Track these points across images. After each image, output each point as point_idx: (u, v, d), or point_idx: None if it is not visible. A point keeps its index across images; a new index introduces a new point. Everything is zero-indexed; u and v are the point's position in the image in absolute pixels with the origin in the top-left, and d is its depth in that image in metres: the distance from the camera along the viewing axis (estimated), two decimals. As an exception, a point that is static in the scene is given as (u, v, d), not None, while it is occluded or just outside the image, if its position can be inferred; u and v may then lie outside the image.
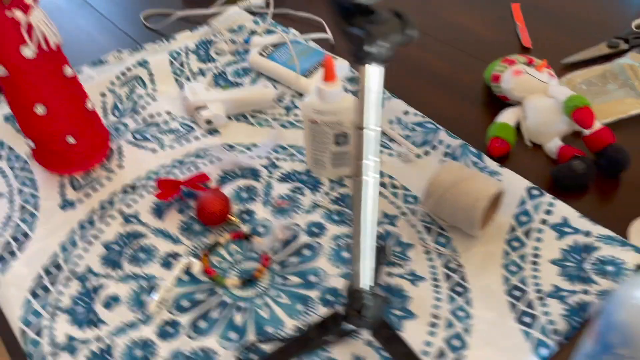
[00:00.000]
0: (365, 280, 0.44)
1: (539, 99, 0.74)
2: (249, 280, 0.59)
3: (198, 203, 0.64)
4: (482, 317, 0.55)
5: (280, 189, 0.70)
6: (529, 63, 0.79)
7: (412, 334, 0.54)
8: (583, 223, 0.62)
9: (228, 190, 0.70)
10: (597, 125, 0.70)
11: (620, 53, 0.87)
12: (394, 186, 0.70)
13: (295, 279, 0.60)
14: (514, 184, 0.66)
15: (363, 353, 0.53)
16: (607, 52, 0.88)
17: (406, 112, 0.78)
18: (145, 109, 0.84)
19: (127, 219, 0.67)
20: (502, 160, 0.72)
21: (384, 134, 0.77)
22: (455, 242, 0.62)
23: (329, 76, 0.63)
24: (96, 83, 0.85)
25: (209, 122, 0.79)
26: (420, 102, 0.81)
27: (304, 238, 0.64)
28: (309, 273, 0.60)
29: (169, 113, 0.83)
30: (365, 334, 0.53)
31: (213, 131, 0.79)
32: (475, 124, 0.78)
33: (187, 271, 0.61)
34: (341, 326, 0.48)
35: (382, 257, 0.60)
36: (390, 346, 0.48)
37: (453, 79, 0.87)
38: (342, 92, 0.64)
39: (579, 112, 0.68)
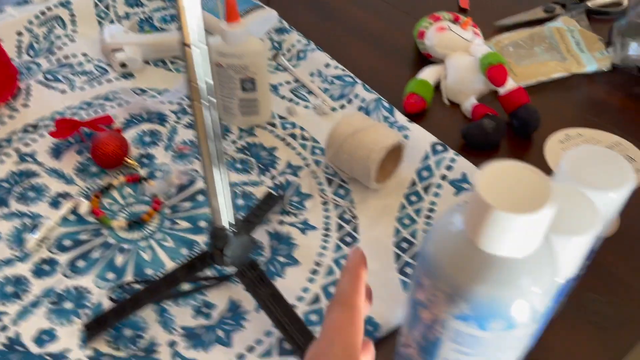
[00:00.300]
0: (225, 217, 0.43)
1: (460, 56, 0.73)
2: (136, 222, 0.58)
3: (92, 143, 0.62)
4: (363, 267, 0.54)
5: (185, 134, 0.68)
6: (455, 20, 0.77)
7: (292, 280, 0.53)
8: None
9: (131, 133, 0.68)
10: (512, 85, 0.69)
11: (555, 18, 0.86)
12: (304, 138, 0.68)
13: (185, 224, 0.58)
14: (421, 139, 0.65)
15: (241, 297, 0.52)
16: (543, 16, 0.87)
17: (327, 65, 0.76)
18: (62, 49, 0.80)
19: (22, 157, 0.65)
20: (419, 117, 0.71)
21: (303, 86, 0.75)
22: (354, 194, 0.61)
23: (231, 16, 0.61)
24: (13, 21, 0.82)
25: (123, 65, 0.76)
26: (346, 57, 0.79)
27: (200, 184, 0.62)
28: (200, 218, 0.59)
29: (85, 55, 0.80)
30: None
31: (128, 75, 0.77)
32: (398, 80, 0.76)
33: (75, 211, 0.59)
34: (209, 265, 0.47)
35: (273, 204, 0.58)
36: (255, 287, 0.47)
37: (385, 36, 0.85)
38: (246, 34, 0.62)
39: (492, 70, 0.67)
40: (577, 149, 0.42)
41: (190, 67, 0.33)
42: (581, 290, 0.53)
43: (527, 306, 0.28)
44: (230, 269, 0.51)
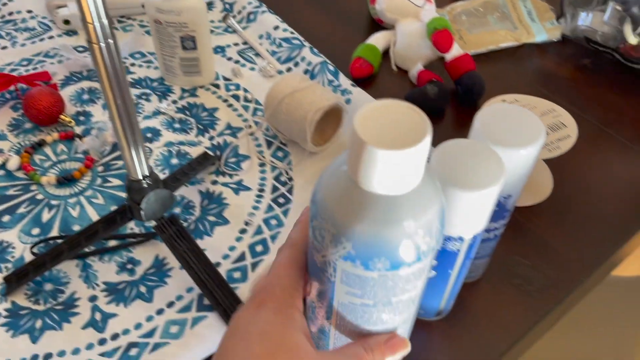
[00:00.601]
0: (139, 170, 0.42)
1: (409, 22, 0.72)
2: (66, 179, 0.57)
3: (25, 99, 0.61)
4: (291, 227, 0.54)
5: (125, 93, 0.67)
6: (407, -15, 0.76)
7: (220, 238, 0.53)
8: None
9: (70, 90, 0.67)
10: (458, 51, 0.68)
11: (511, -12, 0.85)
12: (247, 99, 0.67)
13: (116, 181, 0.58)
14: (363, 104, 0.64)
15: (166, 255, 0.51)
16: (500, -14, 0.86)
17: (276, 27, 0.75)
18: (7, 5, 0.78)
19: (-46, 112, 0.63)
20: (365, 82, 0.71)
21: (251, 48, 0.74)
22: (292, 157, 0.61)
23: (167, -29, 0.59)
24: (-45, -25, 0.79)
25: (66, 22, 0.74)
26: (298, 20, 0.78)
27: (135, 142, 0.61)
28: (132, 176, 0.58)
29: (30, 12, 0.78)
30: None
31: (71, 32, 0.75)
32: (348, 45, 0.75)
33: (4, 167, 0.58)
34: (129, 220, 0.47)
35: (208, 164, 0.58)
36: (174, 242, 0.46)
37: (339, 0, 0.84)
38: (184, -9, 0.61)
39: (437, 35, 0.67)
40: (491, 107, 0.41)
41: (84, 5, 0.32)
42: (508, 254, 0.53)
43: (410, 244, 0.28)
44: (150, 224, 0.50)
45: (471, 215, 0.37)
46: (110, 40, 0.34)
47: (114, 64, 0.35)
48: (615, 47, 0.71)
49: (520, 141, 0.39)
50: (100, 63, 0.35)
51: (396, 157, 0.25)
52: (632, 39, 0.67)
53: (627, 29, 0.67)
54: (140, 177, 0.43)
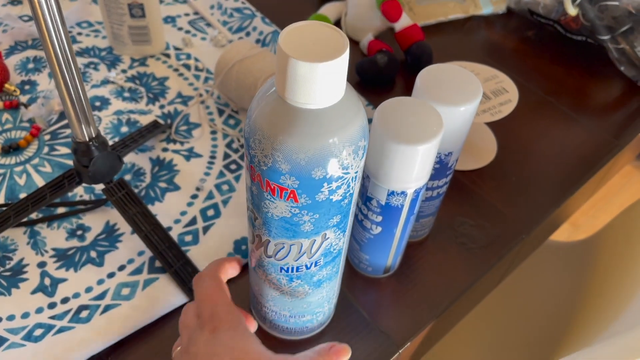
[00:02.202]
0: (85, 131, 0.42)
1: (360, -7, 0.73)
2: (11, 147, 0.56)
3: (-34, 66, 0.59)
4: (243, 192, 0.54)
5: (72, 62, 0.65)
6: (357, -43, 0.76)
7: (171, 204, 0.53)
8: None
9: (14, 59, 0.65)
10: (407, 21, 0.70)
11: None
12: (198, 69, 0.67)
13: (64, 149, 0.57)
14: (314, 72, 0.65)
15: (117, 221, 0.51)
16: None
17: (227, -2, 0.75)
18: (-56, -28, 0.75)
19: None
20: (317, 53, 0.71)
21: (202, 19, 0.74)
22: (243, 124, 0.61)
23: None
24: None
25: (9, -10, 0.72)
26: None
27: (84, 110, 0.60)
28: (81, 144, 0.57)
29: (-31, -21, 0.75)
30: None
31: (16, 2, 0.73)
32: (300, 16, 0.76)
33: (-54, 136, 0.57)
34: (77, 184, 0.46)
35: (157, 132, 0.57)
36: (124, 205, 0.46)
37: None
38: (130, -44, 0.60)
39: (386, 5, 0.68)
40: (433, 67, 0.43)
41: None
42: (453, 215, 0.56)
43: (334, 160, 0.30)
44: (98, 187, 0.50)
45: (412, 170, 0.39)
46: (57, 15, 0.33)
47: (55, 18, 0.35)
48: (557, 18, 0.74)
49: (459, 99, 0.41)
50: (38, 15, 0.34)
51: (316, 69, 0.27)
52: (572, 10, 0.70)
53: (567, 1, 0.70)
54: (87, 139, 0.42)
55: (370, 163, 0.40)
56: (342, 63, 0.28)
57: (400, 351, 0.46)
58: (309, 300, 0.40)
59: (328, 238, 0.35)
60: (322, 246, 0.35)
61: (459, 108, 0.41)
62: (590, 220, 1.59)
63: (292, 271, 0.36)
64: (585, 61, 0.74)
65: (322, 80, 0.28)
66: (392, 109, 0.39)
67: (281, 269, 0.36)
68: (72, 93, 0.39)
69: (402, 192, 0.41)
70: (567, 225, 1.57)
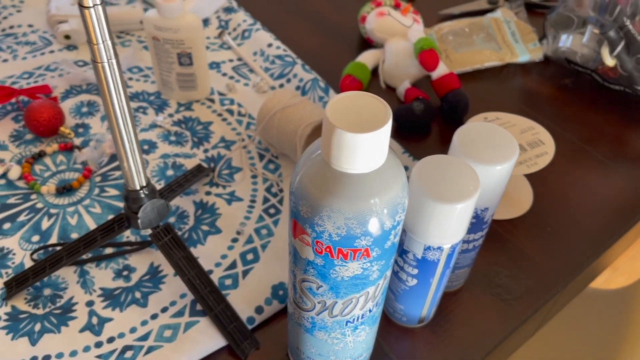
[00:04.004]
0: (137, 180, 0.45)
1: (398, 41, 0.75)
2: (65, 188, 0.59)
3: (27, 111, 0.63)
4: (281, 236, 0.56)
5: (123, 106, 0.69)
6: (396, 6, 0.79)
7: (212, 247, 0.55)
8: (405, 159, 0.64)
9: (70, 103, 0.69)
10: (444, 70, 0.71)
11: (497, 9, 0.89)
12: (240, 114, 0.70)
13: (113, 191, 0.60)
14: (352, 118, 0.67)
15: (161, 262, 0.54)
16: (486, 7, 0.90)
17: (270, 45, 0.78)
18: (7, 19, 0.81)
19: (-43, 123, 0.66)
20: (355, 99, 0.73)
21: (245, 65, 0.77)
22: (283, 169, 0.63)
23: (166, -9, 0.62)
24: (-41, -11, 0.82)
25: (67, 37, 0.77)
26: (291, 38, 0.81)
27: (132, 154, 0.63)
28: (129, 186, 0.60)
29: (30, 26, 0.80)
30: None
31: (72, 47, 0.77)
32: (339, 63, 0.78)
33: (5, 176, 0.60)
34: (125, 228, 0.49)
35: (202, 175, 0.60)
36: (169, 250, 0.49)
37: (331, 19, 0.87)
38: (181, 8, 0.63)
39: (424, 54, 0.70)
40: (469, 125, 0.44)
41: (89, 27, 0.35)
42: (488, 265, 0.56)
43: (375, 220, 0.31)
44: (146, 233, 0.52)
45: (449, 227, 0.40)
46: (113, 60, 0.36)
47: (116, 80, 0.38)
48: (594, 68, 0.74)
49: (495, 158, 0.42)
50: (102, 80, 0.37)
51: (361, 139, 0.29)
52: (609, 61, 0.71)
53: (605, 52, 0.71)
54: (138, 187, 0.45)
55: (407, 218, 0.41)
56: (385, 132, 0.29)
57: (434, 403, 0.46)
58: (360, 341, 0.41)
59: (388, 277, 0.37)
60: (384, 286, 0.37)
61: (495, 167, 0.42)
62: (629, 262, 1.55)
63: (358, 319, 0.38)
64: (623, 110, 0.74)
65: (364, 148, 0.29)
66: (430, 166, 0.41)
67: (347, 322, 0.38)
68: (127, 146, 0.42)
69: (439, 248, 0.42)
70: (612, 270, 1.53)
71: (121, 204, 0.58)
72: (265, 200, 0.60)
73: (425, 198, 0.39)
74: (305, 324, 0.40)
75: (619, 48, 0.69)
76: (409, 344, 0.50)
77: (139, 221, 0.46)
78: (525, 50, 0.79)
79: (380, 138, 0.29)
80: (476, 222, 0.46)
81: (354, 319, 0.38)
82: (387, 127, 0.30)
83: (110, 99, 0.38)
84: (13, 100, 0.68)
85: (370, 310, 0.38)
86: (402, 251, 0.44)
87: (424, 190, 0.39)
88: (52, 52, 0.76)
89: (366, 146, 0.29)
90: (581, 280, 0.59)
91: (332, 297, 0.36)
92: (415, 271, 0.44)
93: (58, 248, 0.53)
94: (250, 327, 0.49)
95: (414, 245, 0.42)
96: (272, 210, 0.59)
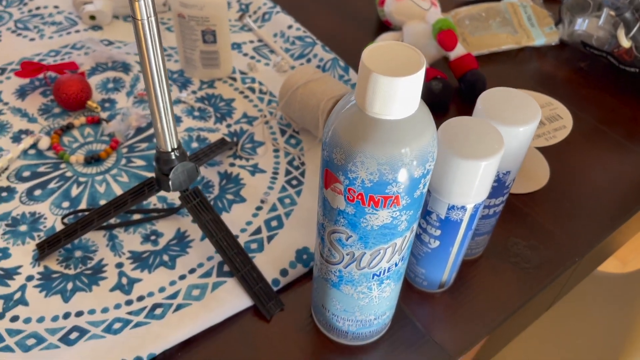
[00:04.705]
0: (168, 142, 0.46)
1: (416, 24, 0.76)
2: (92, 158, 0.61)
3: (55, 85, 0.65)
4: (304, 206, 0.57)
5: (147, 82, 0.71)
6: (414, -10, 0.80)
7: (237, 214, 0.56)
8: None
9: (96, 79, 0.71)
10: (462, 51, 0.72)
11: (512, -5, 0.90)
12: (262, 92, 0.71)
13: (140, 162, 0.61)
14: (372, 96, 0.68)
15: (188, 228, 0.55)
16: (502, -6, 0.91)
17: (290, 27, 0.79)
18: (33, 0, 0.83)
19: (-12, 96, 0.67)
20: (374, 79, 0.75)
21: (265, 46, 0.79)
22: (304, 144, 0.65)
23: (193, -32, 0.63)
24: (-13, -29, 0.84)
25: (92, 17, 0.79)
26: (310, 20, 0.83)
27: (158, 127, 0.65)
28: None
29: (56, 7, 0.82)
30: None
31: (97, 27, 0.79)
32: (357, 45, 0.80)
33: (35, 146, 0.62)
34: (156, 191, 0.50)
35: (226, 148, 0.61)
36: (198, 212, 0.50)
37: (349, 2, 0.89)
38: (207, -13, 0.65)
39: (442, 34, 0.71)
40: (493, 90, 0.45)
41: (132, -15, 0.36)
42: (506, 235, 0.57)
43: (407, 167, 0.32)
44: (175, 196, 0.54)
45: (472, 185, 0.41)
46: (152, 18, 0.38)
47: (154, 39, 0.39)
48: (610, 50, 0.75)
49: (519, 120, 0.43)
50: (141, 38, 0.39)
51: (396, 84, 0.30)
52: (625, 43, 0.72)
53: (621, 34, 0.72)
54: (170, 149, 0.46)
55: (432, 178, 0.43)
56: (419, 78, 0.31)
57: (455, 362, 0.47)
58: (385, 297, 0.42)
59: (414, 230, 0.38)
60: (410, 239, 0.38)
61: (518, 128, 0.43)
62: (638, 256, 1.55)
63: (384, 273, 0.39)
64: (639, 91, 0.75)
65: (399, 94, 0.31)
66: (455, 127, 0.42)
67: (374, 275, 0.39)
68: (162, 106, 0.43)
69: (462, 207, 0.43)
70: (615, 260, 1.54)
71: (148, 174, 0.60)
72: (288, 172, 0.61)
73: (450, 156, 0.40)
74: (332, 278, 0.41)
75: (635, 29, 0.70)
76: (429, 308, 0.51)
77: (170, 182, 0.47)
78: (541, 34, 0.81)
79: (414, 83, 0.31)
80: (497, 185, 0.47)
81: (380, 272, 0.39)
82: (421, 73, 0.31)
83: (148, 57, 0.40)
84: (41, 75, 0.70)
85: (396, 264, 0.40)
86: (425, 212, 0.45)
87: (449, 149, 0.40)
88: (77, 31, 0.78)
89: (401, 91, 0.31)
90: (596, 255, 0.60)
91: (360, 248, 0.38)
92: (438, 232, 0.45)
93: (87, 213, 0.55)
94: (275, 288, 0.50)
95: (437, 205, 0.43)
96: (294, 182, 0.60)
